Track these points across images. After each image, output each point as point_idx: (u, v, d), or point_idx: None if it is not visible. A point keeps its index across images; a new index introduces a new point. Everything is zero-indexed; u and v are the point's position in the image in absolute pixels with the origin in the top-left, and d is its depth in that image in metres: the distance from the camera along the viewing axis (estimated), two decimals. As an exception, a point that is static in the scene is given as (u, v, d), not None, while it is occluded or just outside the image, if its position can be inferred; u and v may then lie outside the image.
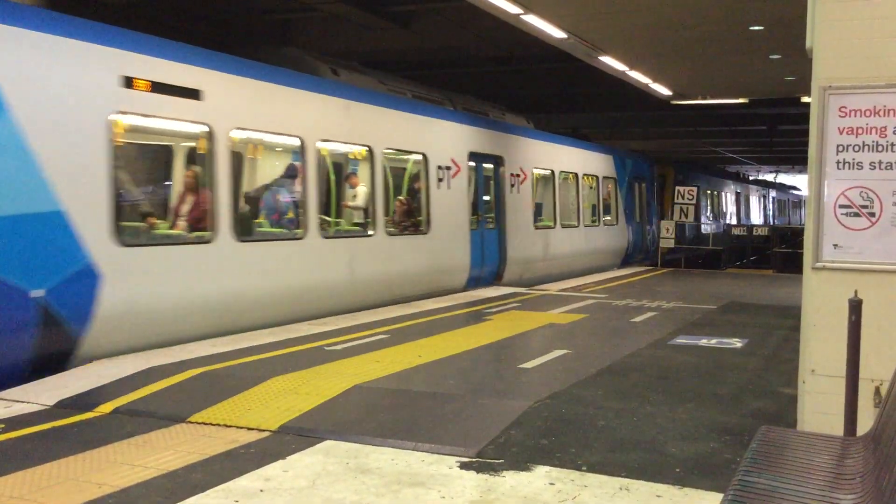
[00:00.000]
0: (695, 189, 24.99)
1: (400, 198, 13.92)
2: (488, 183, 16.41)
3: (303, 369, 7.49)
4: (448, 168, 14.28)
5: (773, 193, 54.73)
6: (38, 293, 7.34)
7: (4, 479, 4.81)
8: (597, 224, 21.63)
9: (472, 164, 15.44)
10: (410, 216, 13.83)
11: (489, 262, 15.86)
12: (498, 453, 5.30)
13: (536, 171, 18.19)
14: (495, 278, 16.11)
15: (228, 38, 15.57)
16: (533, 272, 17.46)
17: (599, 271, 20.63)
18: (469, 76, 21.48)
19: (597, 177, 21.65)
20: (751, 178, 53.37)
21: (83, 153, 7.88)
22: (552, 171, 18.88)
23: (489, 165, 16.23)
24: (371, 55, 18.50)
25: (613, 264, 22.61)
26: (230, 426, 5.89)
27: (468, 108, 16.53)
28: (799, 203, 65.65)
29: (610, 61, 15.13)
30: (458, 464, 5.13)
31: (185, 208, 9.79)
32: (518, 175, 16.92)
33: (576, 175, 20.31)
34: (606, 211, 22.47)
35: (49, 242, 7.49)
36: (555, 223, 18.84)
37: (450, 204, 14.30)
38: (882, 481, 3.26)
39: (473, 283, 15.19)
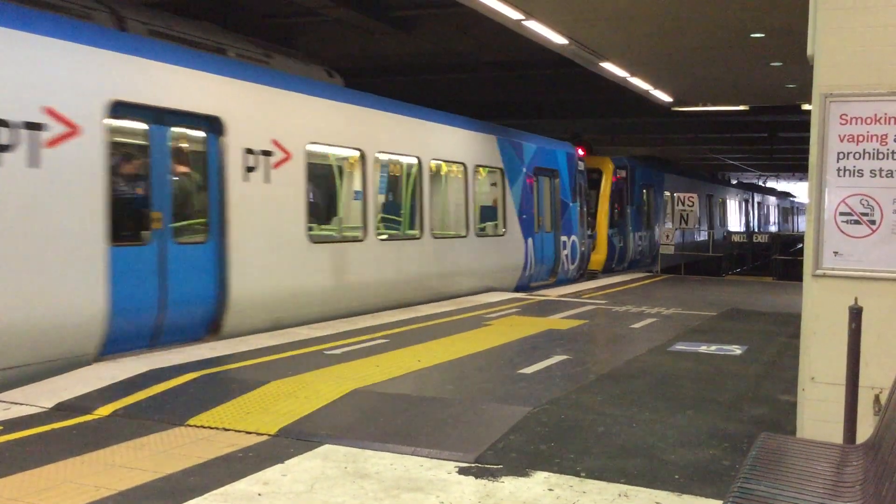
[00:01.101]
0: (695, 196, 24.65)
1: None
2: (197, 163, 9.76)
3: (302, 373, 7.49)
4: (35, 127, 7.40)
5: (761, 199, 48.64)
6: None
7: (3, 481, 4.80)
8: (464, 234, 14.88)
9: (129, 124, 8.76)
10: None
11: (182, 306, 9.03)
12: (497, 459, 5.29)
13: (319, 151, 11.66)
14: (207, 331, 9.44)
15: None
16: (310, 311, 10.88)
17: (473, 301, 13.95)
18: (471, 81, 21.54)
19: (464, 165, 14.83)
20: (734, 181, 47.92)
21: None
22: (361, 152, 12.21)
23: (192, 133, 9.59)
24: (373, 59, 18.55)
25: (501, 289, 15.92)
26: (229, 430, 5.89)
27: (154, 26, 9.76)
28: (791, 209, 60.33)
29: (611, 67, 15.15)
30: (457, 469, 5.13)
31: None
32: (268, 153, 10.18)
33: (418, 160, 13.55)
34: (488, 216, 16.02)
35: None
36: (365, 232, 12.18)
37: (33, 198, 7.41)
38: (882, 490, 3.25)
39: (129, 343, 8.43)
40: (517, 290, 16.41)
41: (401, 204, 13.97)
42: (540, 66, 18.81)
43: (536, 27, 12.01)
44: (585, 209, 20.45)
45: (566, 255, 19.16)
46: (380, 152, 12.78)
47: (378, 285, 12.37)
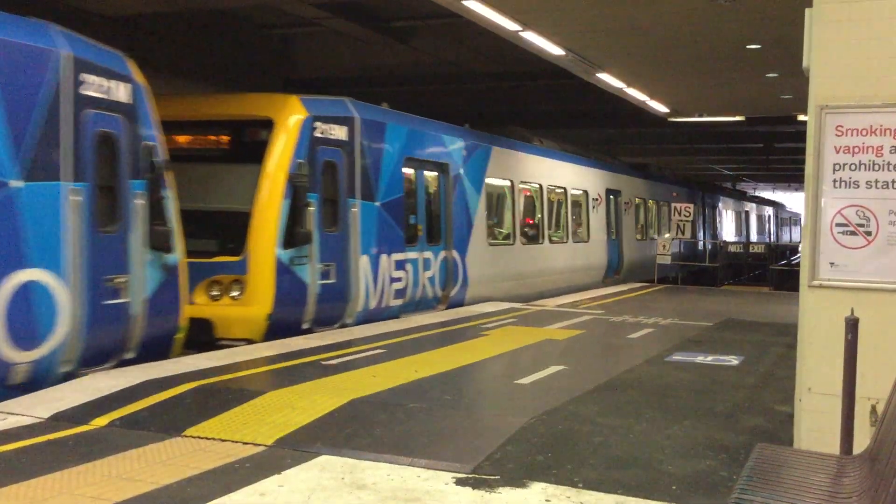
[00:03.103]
0: (691, 206, 24.34)
1: None
2: None
3: (299, 383, 7.48)
4: None
5: (713, 201, 35.06)
6: None
7: (-2, 492, 4.79)
8: None
9: None
10: None
11: None
12: (494, 469, 5.28)
13: None
14: None
15: (231, 51, 15.64)
16: None
17: None
18: (468, 92, 21.59)
19: None
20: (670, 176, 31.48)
21: None
22: None
23: None
24: (370, 70, 18.59)
25: None
26: (226, 440, 5.88)
27: None
28: (763, 218, 47.57)
29: (608, 78, 15.20)
30: (454, 480, 5.12)
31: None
32: None
33: None
34: None
35: None
36: None
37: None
38: (878, 500, 3.26)
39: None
40: None
41: None
42: (537, 77, 18.87)
43: (533, 38, 12.05)
44: (158, 201, 8.76)
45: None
46: None
47: None
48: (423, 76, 19.57)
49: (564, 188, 19.33)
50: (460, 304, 14.53)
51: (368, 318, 12.00)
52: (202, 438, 5.94)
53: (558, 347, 10.27)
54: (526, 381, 7.96)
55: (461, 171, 14.68)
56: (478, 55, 17.14)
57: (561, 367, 8.70)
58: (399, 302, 12.80)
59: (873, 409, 5.23)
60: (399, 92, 20.64)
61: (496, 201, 16.71)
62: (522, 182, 17.31)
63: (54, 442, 5.83)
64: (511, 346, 10.13)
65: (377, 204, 12.32)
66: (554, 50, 12.80)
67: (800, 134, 21.89)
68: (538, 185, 18.10)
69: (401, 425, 6.24)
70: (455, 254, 14.40)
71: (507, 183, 16.77)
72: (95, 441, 5.87)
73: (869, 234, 5.34)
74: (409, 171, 13.33)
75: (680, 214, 23.66)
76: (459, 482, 5.08)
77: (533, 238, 17.87)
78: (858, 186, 5.35)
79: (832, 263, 5.42)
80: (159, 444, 5.80)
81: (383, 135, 12.60)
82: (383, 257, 12.35)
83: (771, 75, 14.82)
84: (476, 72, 19.00)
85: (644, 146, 32.94)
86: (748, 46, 12.66)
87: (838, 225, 5.41)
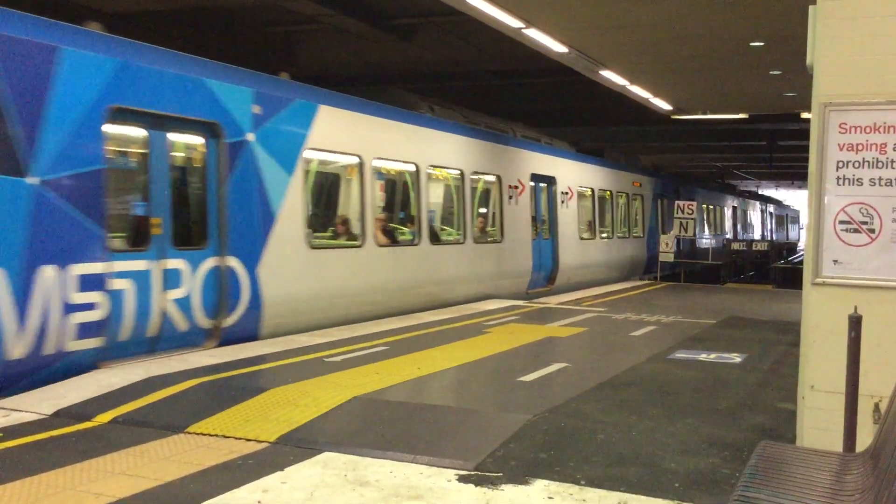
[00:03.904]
0: (694, 204, 24.27)
1: None
2: None
3: (302, 380, 7.48)
4: None
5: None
6: None
7: (2, 488, 4.80)
8: None
9: None
10: None
11: None
12: (497, 467, 5.29)
13: None
14: None
15: (233, 49, 15.63)
16: None
17: None
18: (471, 89, 21.57)
19: None
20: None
21: None
22: None
23: None
24: (372, 68, 18.57)
25: None
26: (228, 437, 5.89)
27: None
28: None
29: (610, 76, 15.19)
30: (457, 477, 5.12)
31: None
32: None
33: None
34: None
35: None
36: None
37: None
38: (881, 498, 3.25)
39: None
40: None
41: None
42: (540, 75, 18.83)
43: (536, 35, 12.04)
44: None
45: None
46: None
47: None
48: (426, 74, 19.54)
49: (461, 171, 14.76)
50: (252, 338, 9.75)
51: (9, 372, 7.09)
52: (205, 435, 5.95)
53: (561, 345, 10.27)
54: (528, 378, 7.96)
55: (251, 136, 9.71)
56: (480, 53, 17.12)
57: (563, 365, 8.70)
58: (93, 343, 7.82)
59: (876, 406, 5.23)
60: (402, 90, 20.65)
61: (328, 186, 12.46)
62: (381, 159, 12.53)
63: (57, 438, 5.84)
64: (513, 343, 10.13)
65: (33, 181, 7.30)
66: (557, 47, 12.78)
67: (804, 131, 21.81)
68: (413, 166, 13.46)
69: (403, 422, 6.25)
70: (236, 262, 9.51)
71: (353, 160, 11.99)
72: (98, 437, 5.89)
73: (872, 231, 5.33)
74: (125, 129, 8.53)
75: (683, 212, 23.61)
76: (462, 479, 5.08)
77: (403, 238, 13.53)
78: (862, 184, 5.34)
79: (835, 261, 5.41)
80: (162, 440, 5.81)
81: (50, 67, 7.49)
82: (47, 270, 7.39)
83: (774, 72, 14.80)
84: (479, 70, 18.98)
85: (647, 144, 32.94)
86: (751, 44, 12.64)
87: (842, 222, 5.40)
